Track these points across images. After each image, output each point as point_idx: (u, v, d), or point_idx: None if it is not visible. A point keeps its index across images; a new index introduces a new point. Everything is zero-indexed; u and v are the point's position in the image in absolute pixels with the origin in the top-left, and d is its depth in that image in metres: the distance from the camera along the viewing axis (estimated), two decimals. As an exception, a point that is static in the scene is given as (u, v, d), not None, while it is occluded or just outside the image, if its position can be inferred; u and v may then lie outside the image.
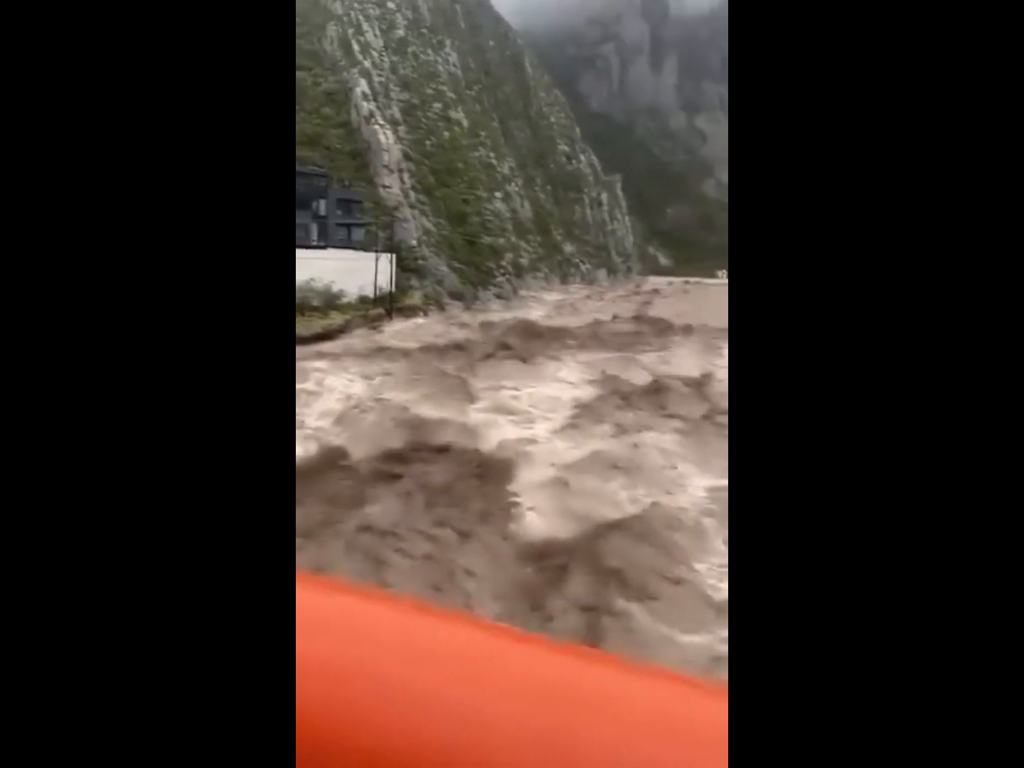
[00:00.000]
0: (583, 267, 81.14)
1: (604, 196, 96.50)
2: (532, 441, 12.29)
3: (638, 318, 34.30)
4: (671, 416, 13.83)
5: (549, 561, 7.63)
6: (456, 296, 46.44)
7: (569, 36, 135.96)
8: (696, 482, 10.53)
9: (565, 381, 17.89)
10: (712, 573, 7.74)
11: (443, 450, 11.07)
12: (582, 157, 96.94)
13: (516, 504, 9.18)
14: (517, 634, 0.54)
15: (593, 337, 24.70)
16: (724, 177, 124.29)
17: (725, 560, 7.51)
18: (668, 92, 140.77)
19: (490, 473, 10.21)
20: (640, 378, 17.50)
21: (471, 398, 15.68)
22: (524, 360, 19.77)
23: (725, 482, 9.83)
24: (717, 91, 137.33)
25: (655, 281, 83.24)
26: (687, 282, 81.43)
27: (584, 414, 14.00)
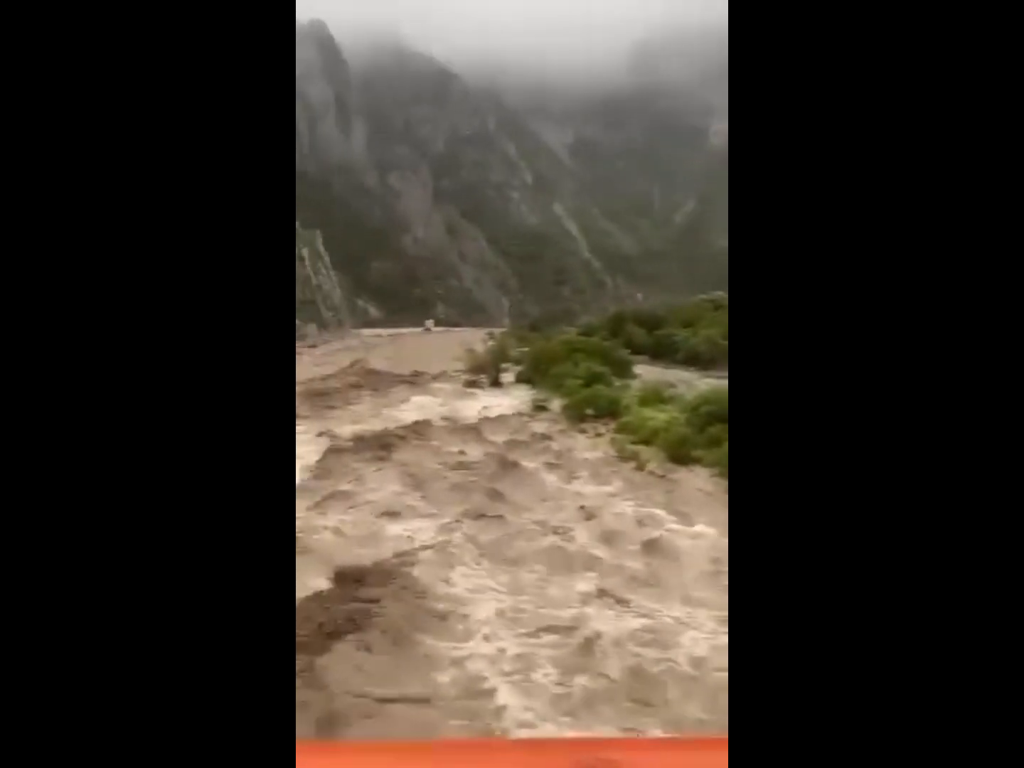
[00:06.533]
0: (292, 324, 78.66)
1: (305, 251, 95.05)
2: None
3: (353, 371, 34.21)
4: (396, 463, 13.96)
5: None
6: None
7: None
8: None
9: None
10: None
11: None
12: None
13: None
14: None
15: (307, 394, 24.10)
16: (420, 232, 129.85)
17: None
18: (359, 151, 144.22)
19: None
20: (346, 432, 17.43)
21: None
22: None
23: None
24: (406, 151, 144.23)
25: (367, 332, 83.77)
26: (399, 332, 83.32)
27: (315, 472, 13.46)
